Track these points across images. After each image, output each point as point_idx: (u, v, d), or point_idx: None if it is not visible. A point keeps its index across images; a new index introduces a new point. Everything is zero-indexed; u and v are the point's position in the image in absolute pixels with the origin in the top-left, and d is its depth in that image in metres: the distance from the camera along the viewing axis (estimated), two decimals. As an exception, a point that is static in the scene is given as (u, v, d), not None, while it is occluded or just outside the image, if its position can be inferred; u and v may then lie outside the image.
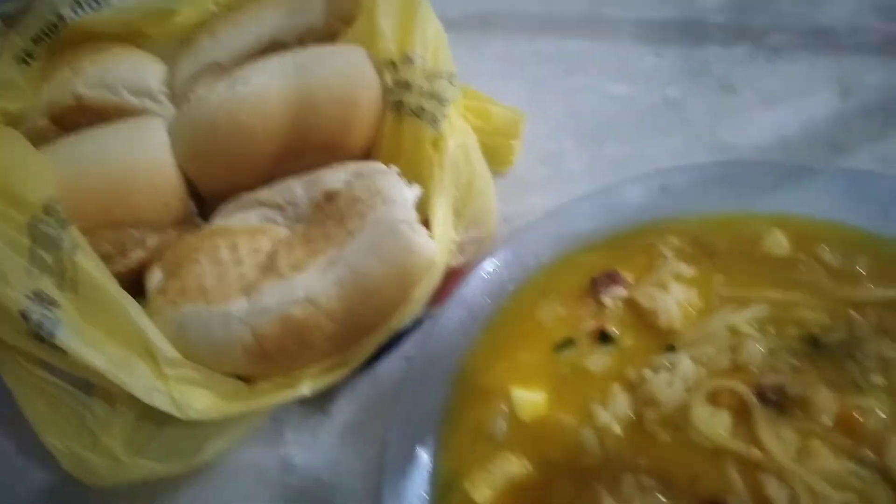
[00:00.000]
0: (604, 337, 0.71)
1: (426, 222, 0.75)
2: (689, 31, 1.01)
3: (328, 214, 0.74)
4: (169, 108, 0.87)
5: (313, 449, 0.77)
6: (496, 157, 0.91)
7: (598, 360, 0.69)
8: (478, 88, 0.92)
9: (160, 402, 0.70)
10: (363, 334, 0.74)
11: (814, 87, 0.94)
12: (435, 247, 0.73)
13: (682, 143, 0.93)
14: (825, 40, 0.96)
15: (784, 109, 0.92)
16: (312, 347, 0.72)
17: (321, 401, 0.79)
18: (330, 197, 0.75)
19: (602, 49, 1.02)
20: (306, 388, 0.74)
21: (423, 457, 0.67)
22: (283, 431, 0.78)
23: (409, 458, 0.66)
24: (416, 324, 0.78)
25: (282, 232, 0.76)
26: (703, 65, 0.98)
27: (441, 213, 0.77)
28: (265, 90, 0.79)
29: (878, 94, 0.92)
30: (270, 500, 0.74)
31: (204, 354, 0.72)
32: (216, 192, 0.83)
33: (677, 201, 0.78)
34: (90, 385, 0.71)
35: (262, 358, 0.72)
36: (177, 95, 0.87)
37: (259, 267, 0.73)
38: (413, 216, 0.72)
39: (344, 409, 0.78)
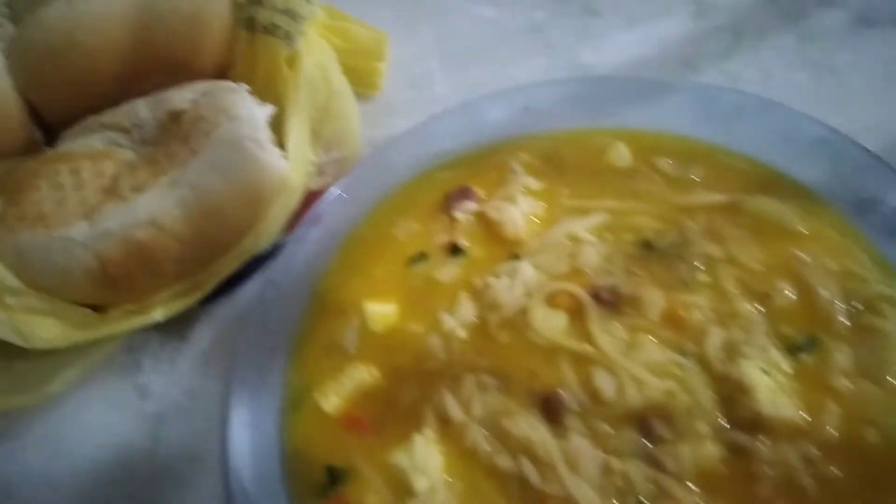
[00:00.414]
0: (455, 249, 0.72)
1: (283, 144, 0.75)
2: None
3: (173, 135, 0.72)
4: (9, 29, 0.82)
5: (171, 375, 0.76)
6: (362, 80, 0.91)
7: (447, 272, 0.71)
8: (343, 10, 0.91)
9: (3, 332, 0.68)
10: (214, 256, 0.73)
11: (671, 8, 0.96)
12: (286, 166, 0.73)
13: (545, 64, 0.94)
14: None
15: (642, 30, 0.95)
16: (160, 271, 0.71)
17: (179, 328, 0.78)
18: (175, 117, 0.73)
19: (469, -28, 1.02)
20: (159, 313, 0.73)
21: (274, 373, 0.67)
22: (140, 360, 0.77)
23: (259, 375, 0.66)
24: (278, 248, 0.77)
25: (127, 155, 0.74)
26: (569, -11, 0.99)
27: (295, 132, 0.76)
28: (104, 6, 0.75)
29: (729, 14, 0.95)
30: (128, 428, 0.73)
31: (47, 282, 0.71)
32: (61, 118, 0.80)
33: (530, 119, 0.79)
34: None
35: (108, 283, 0.71)
36: (18, 15, 0.82)
37: (102, 191, 0.71)
38: (262, 134, 0.71)
39: (203, 335, 0.78)
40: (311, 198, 0.78)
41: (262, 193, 0.71)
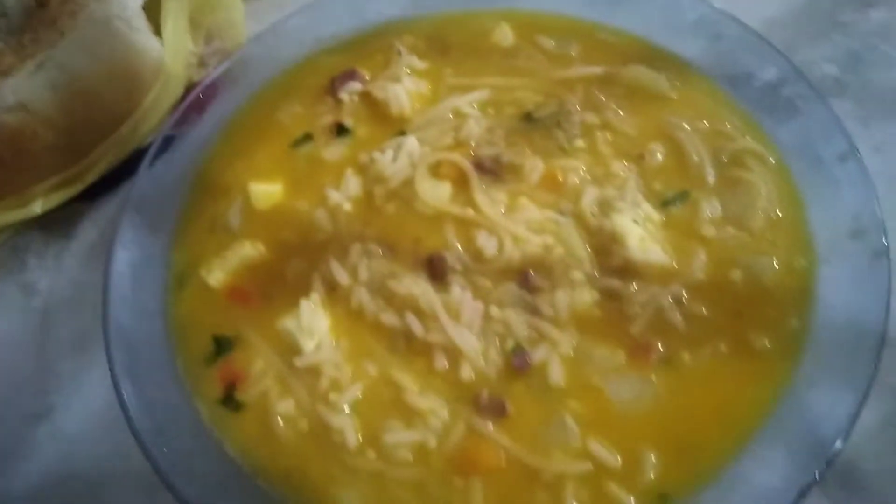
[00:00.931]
0: (340, 130, 0.72)
1: (159, 32, 0.73)
2: None
3: (40, 20, 0.69)
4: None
5: (57, 272, 0.74)
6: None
7: (333, 151, 0.71)
8: None
9: None
10: (92, 143, 0.71)
11: None
12: (160, 48, 0.71)
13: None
14: None
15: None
16: (34, 159, 0.69)
17: (64, 225, 0.76)
18: (42, 2, 0.70)
19: None
20: (38, 205, 0.71)
21: (157, 254, 0.66)
22: (25, 259, 0.75)
23: (141, 256, 0.65)
24: (166, 141, 0.75)
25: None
26: None
27: (171, 19, 0.74)
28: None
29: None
30: (14, 326, 0.71)
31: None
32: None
33: (415, 2, 0.79)
34: None
35: (-20, 173, 0.68)
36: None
37: (-34, 79, 0.67)
38: (132, 14, 0.69)
39: (89, 232, 0.76)
40: (194, 89, 0.76)
41: (135, 76, 0.69)
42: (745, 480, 0.53)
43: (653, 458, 0.55)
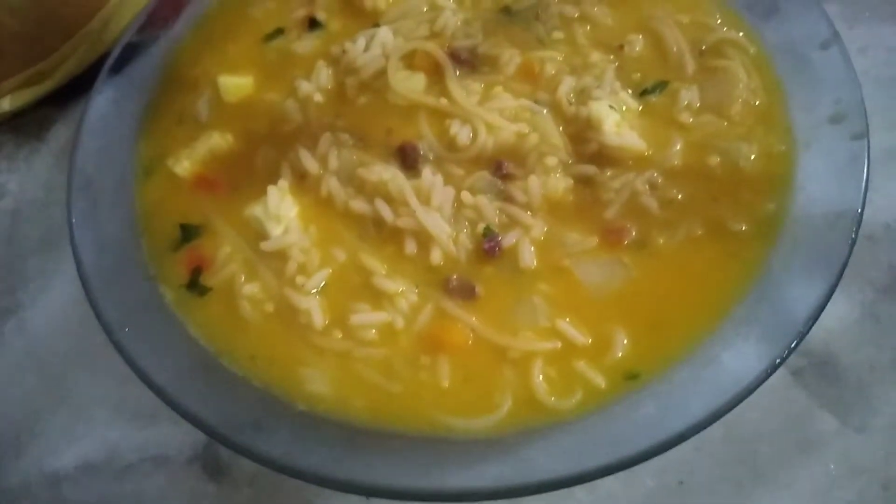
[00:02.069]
0: (312, 23, 0.71)
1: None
2: None
3: None
4: None
5: (28, 174, 0.74)
6: None
7: (305, 44, 0.70)
8: None
9: None
10: (60, 38, 0.69)
11: None
12: (129, -59, 0.69)
13: None
14: None
15: None
16: (2, 52, 0.67)
17: (35, 129, 0.75)
18: None
19: None
20: (6, 102, 0.70)
21: (124, 146, 0.65)
22: (-6, 163, 0.74)
23: (107, 148, 0.64)
24: (133, 48, 0.73)
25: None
26: None
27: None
28: None
29: None
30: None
31: None
32: None
33: None
34: None
35: (-57, 65, 0.66)
36: None
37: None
38: None
39: (59, 135, 0.75)
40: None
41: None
42: (715, 360, 0.52)
43: (623, 337, 0.54)
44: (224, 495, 0.56)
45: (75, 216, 0.59)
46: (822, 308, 0.50)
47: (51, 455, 0.58)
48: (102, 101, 0.66)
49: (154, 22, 0.71)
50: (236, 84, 0.67)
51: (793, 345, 0.49)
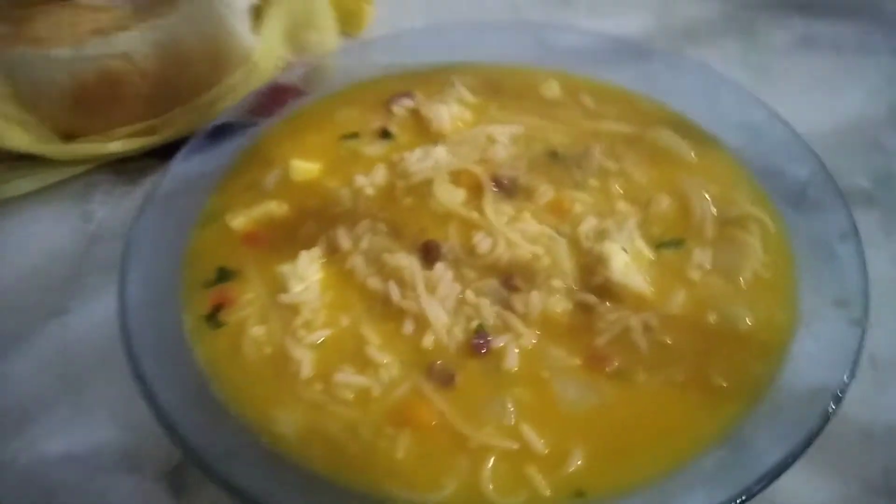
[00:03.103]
0: (384, 133, 0.80)
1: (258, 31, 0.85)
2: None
3: (164, -5, 0.83)
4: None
5: (116, 209, 0.84)
6: (349, 21, 1.02)
7: (373, 149, 0.79)
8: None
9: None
10: (173, 103, 0.82)
11: (638, 8, 1.06)
12: (253, 41, 0.83)
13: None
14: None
15: (606, 22, 1.04)
16: (125, 103, 0.81)
17: (135, 174, 0.86)
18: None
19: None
20: (116, 145, 0.82)
21: (194, 200, 0.74)
22: (93, 193, 0.85)
23: (178, 199, 0.73)
24: (233, 124, 0.85)
25: (124, 10, 0.84)
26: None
27: (271, 23, 0.87)
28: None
29: (688, 22, 1.05)
30: (64, 240, 0.80)
31: (28, 95, 0.80)
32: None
33: (482, 51, 0.88)
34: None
35: (79, 105, 0.80)
36: None
37: (92, 31, 0.81)
38: (239, 8, 0.82)
39: (161, 193, 0.85)
40: (277, 90, 0.87)
41: (227, 58, 0.81)
42: (663, 499, 0.52)
43: (579, 455, 0.55)
44: (179, 513, 0.59)
45: (133, 245, 0.67)
46: (779, 471, 0.50)
47: (43, 439, 0.63)
48: (189, 158, 0.76)
49: (255, 109, 0.82)
50: (305, 168, 0.76)
51: (739, 500, 0.49)
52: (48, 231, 0.82)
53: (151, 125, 0.82)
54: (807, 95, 0.93)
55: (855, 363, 0.55)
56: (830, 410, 0.53)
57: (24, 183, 0.81)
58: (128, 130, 0.82)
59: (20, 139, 0.80)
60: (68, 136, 0.84)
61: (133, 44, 0.78)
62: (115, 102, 0.80)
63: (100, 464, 0.62)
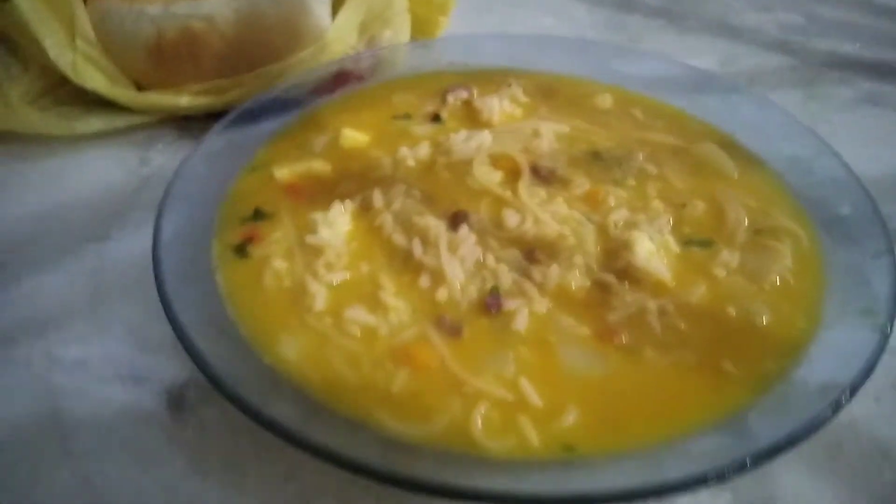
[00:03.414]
0: (435, 118, 0.83)
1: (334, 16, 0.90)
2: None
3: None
4: None
5: (173, 158, 0.88)
6: (423, 28, 1.07)
7: (422, 129, 0.81)
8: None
9: (63, 62, 0.84)
10: (246, 69, 0.87)
11: (703, 53, 1.08)
12: (328, 23, 0.88)
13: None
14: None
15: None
16: (201, 63, 0.86)
17: (196, 131, 0.90)
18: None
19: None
20: (185, 100, 0.87)
21: (246, 152, 0.78)
22: (154, 143, 0.90)
23: (230, 148, 0.76)
24: (294, 98, 0.89)
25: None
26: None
27: (349, 12, 0.92)
28: None
29: (752, 67, 1.06)
30: (120, 179, 0.85)
31: (114, 44, 0.86)
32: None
33: (544, 60, 0.91)
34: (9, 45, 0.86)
35: (159, 58, 0.86)
36: None
37: (183, -5, 0.88)
38: (321, -9, 0.87)
39: (214, 141, 0.90)
40: (341, 75, 0.92)
41: (301, 34, 0.86)
42: (655, 463, 0.50)
43: (575, 414, 0.54)
44: (173, 427, 0.60)
45: (178, 179, 0.70)
46: (773, 452, 0.48)
47: (59, 345, 0.66)
48: (246, 115, 0.80)
49: (317, 89, 0.87)
50: (355, 137, 0.79)
51: (725, 473, 0.47)
52: (107, 168, 0.87)
53: (221, 86, 0.87)
54: (865, 148, 0.91)
55: (873, 363, 0.53)
56: (839, 403, 0.51)
57: (95, 121, 0.86)
58: (198, 88, 0.86)
59: (100, 81, 0.86)
60: (142, 88, 0.89)
61: (218, 7, 0.84)
62: (191, 60, 0.85)
63: (107, 374, 0.64)
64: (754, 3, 1.24)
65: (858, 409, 0.60)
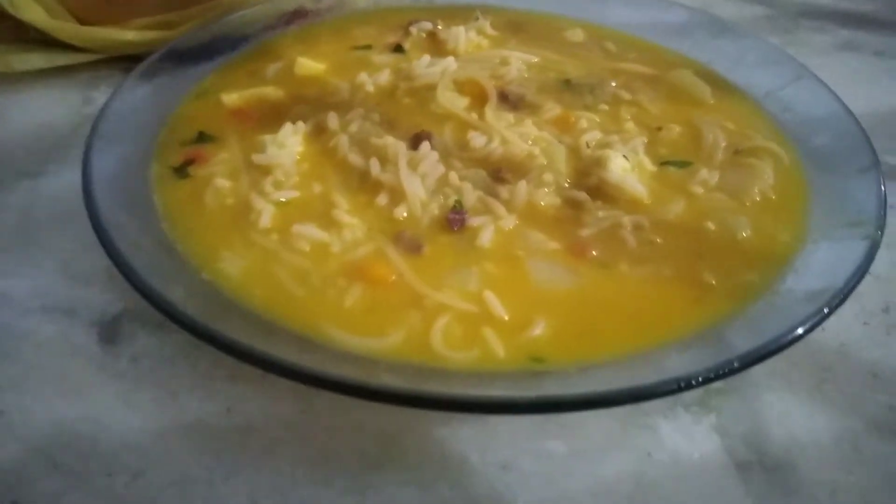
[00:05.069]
0: (397, 48, 0.78)
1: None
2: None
3: None
4: None
5: (118, 97, 0.82)
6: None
7: (383, 58, 0.77)
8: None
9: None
10: (194, 1, 0.81)
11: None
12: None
13: None
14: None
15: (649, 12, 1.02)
16: (142, -1, 0.81)
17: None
18: None
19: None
20: (131, 34, 0.81)
21: (192, 76, 0.72)
22: (98, 84, 0.84)
23: (175, 72, 0.71)
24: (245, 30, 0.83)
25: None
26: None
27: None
28: None
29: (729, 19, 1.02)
30: (61, 118, 0.79)
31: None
32: None
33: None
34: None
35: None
36: None
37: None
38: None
39: (157, 72, 0.84)
40: (299, 12, 0.86)
41: (256, -34, 0.80)
42: (626, 376, 0.46)
43: (543, 326, 0.49)
44: (104, 359, 0.54)
45: (113, 102, 0.64)
46: (752, 359, 0.44)
47: (-14, 277, 0.60)
48: (192, 43, 0.74)
49: (272, 24, 0.82)
50: (310, 65, 0.74)
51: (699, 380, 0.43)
52: (48, 107, 0.81)
53: (168, 20, 0.82)
54: (846, 88, 0.88)
55: (865, 268, 0.49)
56: (826, 310, 0.47)
57: (35, 58, 0.80)
58: (144, 22, 0.81)
59: (38, 14, 0.80)
60: (85, 24, 0.83)
61: (159, -64, 0.79)
62: (133, -3, 0.80)
63: (33, 306, 0.58)
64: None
65: (847, 333, 0.57)
